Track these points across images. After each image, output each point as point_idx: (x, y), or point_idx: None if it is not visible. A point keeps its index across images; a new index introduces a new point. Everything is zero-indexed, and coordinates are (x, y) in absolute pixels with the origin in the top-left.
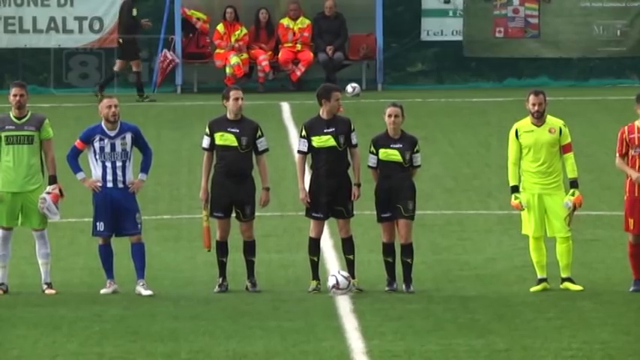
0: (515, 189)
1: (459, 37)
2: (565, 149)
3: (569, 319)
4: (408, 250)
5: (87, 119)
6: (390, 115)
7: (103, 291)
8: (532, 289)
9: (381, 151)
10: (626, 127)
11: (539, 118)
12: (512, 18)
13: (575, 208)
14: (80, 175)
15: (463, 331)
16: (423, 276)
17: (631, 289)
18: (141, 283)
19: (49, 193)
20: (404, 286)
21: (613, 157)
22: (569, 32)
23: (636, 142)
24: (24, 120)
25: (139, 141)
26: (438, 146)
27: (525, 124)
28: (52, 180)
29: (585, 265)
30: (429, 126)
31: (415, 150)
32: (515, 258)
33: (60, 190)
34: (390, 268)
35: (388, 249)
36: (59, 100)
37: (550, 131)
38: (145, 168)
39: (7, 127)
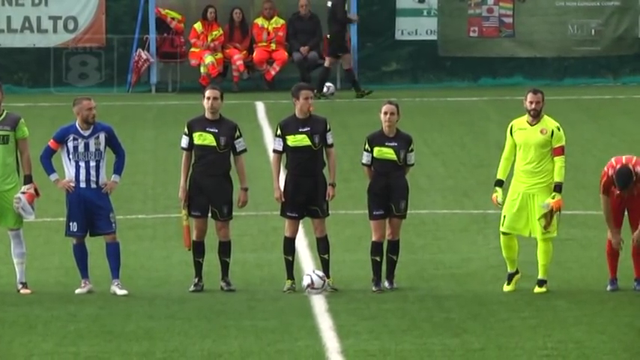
0: (499, 183)
1: (434, 37)
2: (556, 152)
3: (544, 318)
4: (395, 246)
5: (63, 119)
6: (385, 113)
7: (77, 291)
8: (505, 289)
9: (376, 149)
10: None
11: (535, 117)
12: (487, 17)
13: (552, 211)
14: (53, 177)
15: (438, 330)
16: (398, 275)
17: (608, 288)
18: (116, 283)
19: (24, 192)
20: (386, 283)
21: (588, 157)
22: (544, 32)
23: None
24: None
25: (112, 141)
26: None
27: (521, 121)
28: (28, 179)
29: (560, 265)
30: (404, 125)
31: (410, 149)
32: (490, 257)
33: (35, 190)
34: (377, 267)
35: (377, 248)
36: (34, 100)
37: (542, 132)
38: (118, 169)
39: None
